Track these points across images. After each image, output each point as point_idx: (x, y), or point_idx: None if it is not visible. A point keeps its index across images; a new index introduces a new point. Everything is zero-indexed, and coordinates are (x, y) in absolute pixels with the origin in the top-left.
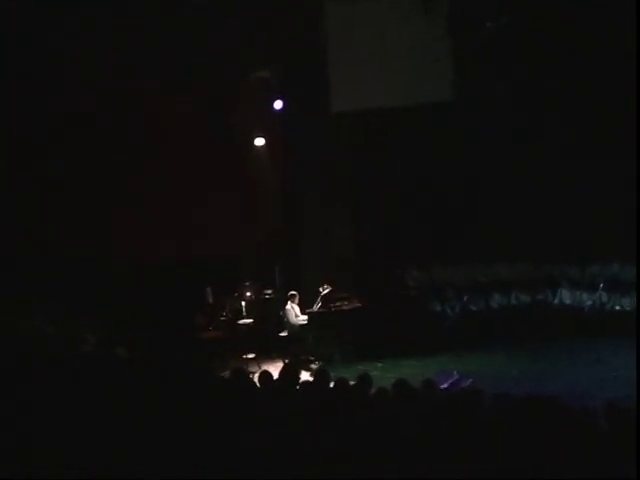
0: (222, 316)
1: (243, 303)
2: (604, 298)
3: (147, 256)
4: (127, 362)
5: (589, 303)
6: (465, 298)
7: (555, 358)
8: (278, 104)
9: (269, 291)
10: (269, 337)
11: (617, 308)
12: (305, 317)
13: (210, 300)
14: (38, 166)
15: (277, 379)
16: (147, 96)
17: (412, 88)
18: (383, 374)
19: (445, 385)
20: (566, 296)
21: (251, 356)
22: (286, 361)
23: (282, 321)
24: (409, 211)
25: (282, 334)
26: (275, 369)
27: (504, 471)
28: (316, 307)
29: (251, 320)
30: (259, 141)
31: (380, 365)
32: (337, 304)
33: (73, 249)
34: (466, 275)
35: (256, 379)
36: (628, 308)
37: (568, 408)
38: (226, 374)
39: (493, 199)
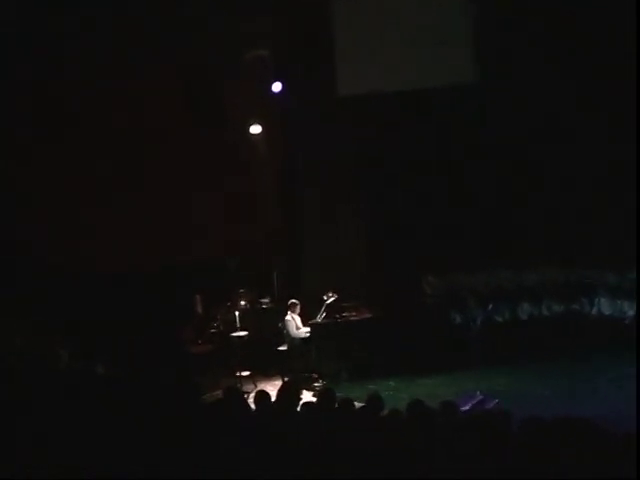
0: (213, 328)
1: (237, 313)
2: None
3: (125, 262)
4: (104, 380)
5: (631, 314)
6: (489, 308)
7: (592, 376)
8: (277, 86)
9: (266, 299)
10: (266, 351)
11: None
12: (307, 329)
13: (199, 310)
14: None
15: (275, 399)
16: (125, 78)
17: (430, 69)
18: (396, 394)
19: (467, 407)
20: (605, 305)
21: (246, 373)
22: (286, 379)
23: (281, 333)
24: (425, 208)
25: (281, 348)
26: (273, 388)
27: None
28: (320, 317)
29: (246, 332)
30: (255, 129)
31: (392, 384)
32: (344, 314)
33: (41, 256)
34: (490, 281)
35: (251, 399)
36: None
37: (607, 433)
38: (217, 394)
39: (520, 195)
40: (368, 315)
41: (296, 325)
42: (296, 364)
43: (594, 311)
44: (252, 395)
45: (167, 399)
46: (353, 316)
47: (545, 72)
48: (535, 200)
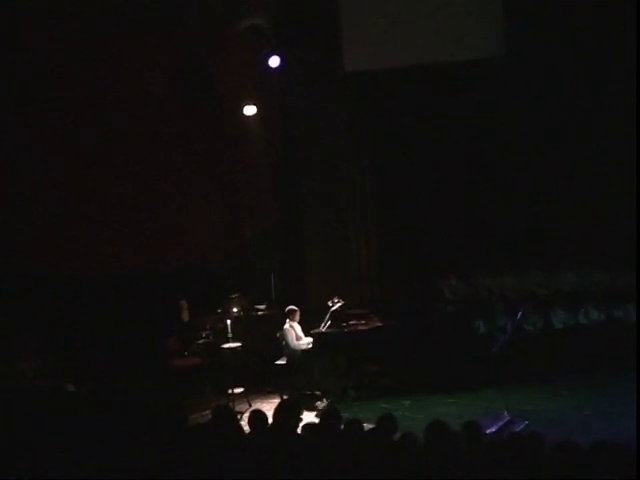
0: (201, 338)
1: (228, 322)
2: None
3: (100, 264)
4: (75, 398)
5: None
6: (519, 315)
7: (636, 394)
8: (274, 61)
9: (262, 306)
10: (262, 365)
11: None
12: (309, 339)
13: (185, 318)
14: None
15: (272, 420)
16: (101, 49)
17: (452, 41)
18: (411, 414)
19: (493, 429)
20: None
21: (239, 391)
22: (284, 397)
23: (279, 345)
24: (445, 202)
25: (279, 362)
26: (270, 407)
27: None
28: (324, 326)
29: (239, 344)
30: (249, 110)
31: (407, 403)
32: (351, 323)
33: (4, 259)
34: (520, 285)
35: (245, 421)
36: None
37: None
38: (206, 414)
39: (555, 187)
40: (379, 324)
41: (296, 335)
42: (296, 380)
43: None
44: (246, 416)
45: (147, 421)
46: (362, 325)
47: (574, 47)
48: (573, 188)
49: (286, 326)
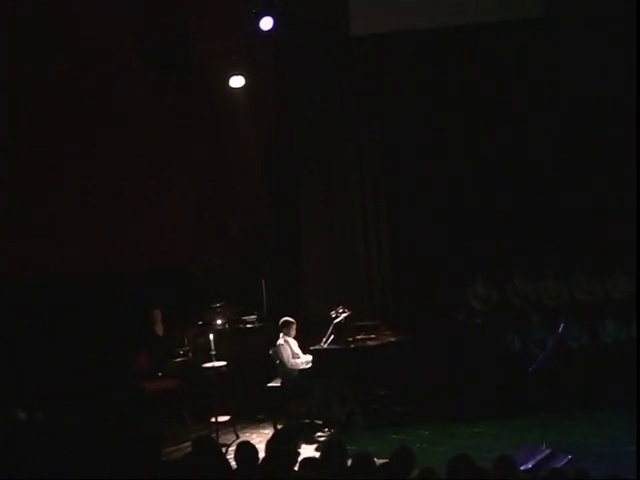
0: (178, 356)
1: (211, 336)
2: None
3: (58, 266)
4: (26, 428)
5: None
6: (560, 328)
7: None
8: (266, 23)
9: (251, 317)
10: (252, 389)
11: None
12: (308, 357)
13: (159, 331)
14: None
15: (265, 454)
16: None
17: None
18: (431, 447)
19: (529, 465)
20: None
21: (224, 419)
22: (279, 426)
23: (272, 364)
24: (469, 191)
25: (272, 384)
26: (261, 439)
27: None
28: (326, 342)
29: (223, 362)
30: (236, 81)
31: (426, 434)
32: (358, 337)
33: None
34: (561, 292)
35: (232, 455)
36: None
37: None
38: (185, 447)
39: (602, 176)
40: (391, 339)
41: (292, 352)
42: (293, 406)
43: None
44: (232, 449)
45: (113, 455)
46: (371, 340)
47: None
48: (621, 181)
49: (280, 341)
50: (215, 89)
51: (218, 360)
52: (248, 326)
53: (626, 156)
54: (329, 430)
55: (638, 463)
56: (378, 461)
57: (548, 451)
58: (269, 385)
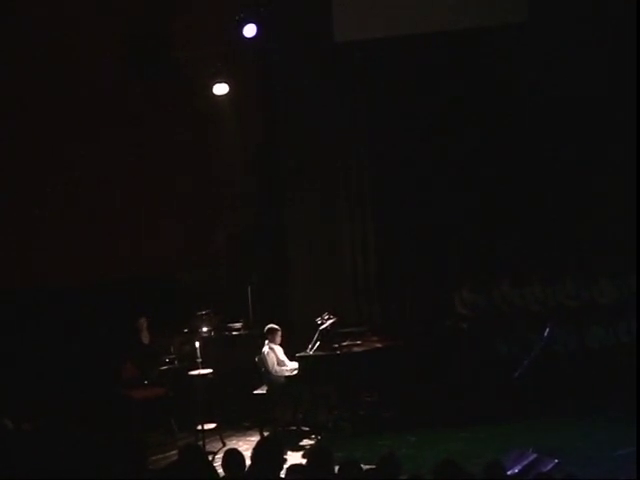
0: (164, 364)
1: (197, 344)
2: None
3: (42, 276)
4: (13, 437)
5: None
6: (546, 332)
7: None
8: (250, 30)
9: (237, 324)
10: (238, 396)
11: None
12: (294, 365)
13: (145, 339)
14: None
15: (251, 462)
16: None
17: (470, 7)
18: (418, 453)
19: (516, 469)
20: None
21: (210, 426)
22: (265, 434)
23: (258, 371)
24: (456, 196)
25: (258, 391)
26: (248, 446)
27: None
28: (312, 349)
29: (209, 370)
30: (219, 88)
31: (412, 439)
32: (344, 344)
33: None
34: (547, 297)
35: (218, 462)
36: None
37: None
38: (171, 455)
39: (588, 176)
40: (378, 345)
41: (278, 360)
42: (279, 413)
43: None
44: (219, 456)
45: (100, 464)
46: (357, 346)
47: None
48: (613, 184)
49: (265, 349)
50: (198, 96)
51: (204, 368)
52: (234, 333)
53: (616, 160)
54: (316, 437)
55: (638, 463)
56: (365, 467)
57: (535, 455)
58: (255, 392)
